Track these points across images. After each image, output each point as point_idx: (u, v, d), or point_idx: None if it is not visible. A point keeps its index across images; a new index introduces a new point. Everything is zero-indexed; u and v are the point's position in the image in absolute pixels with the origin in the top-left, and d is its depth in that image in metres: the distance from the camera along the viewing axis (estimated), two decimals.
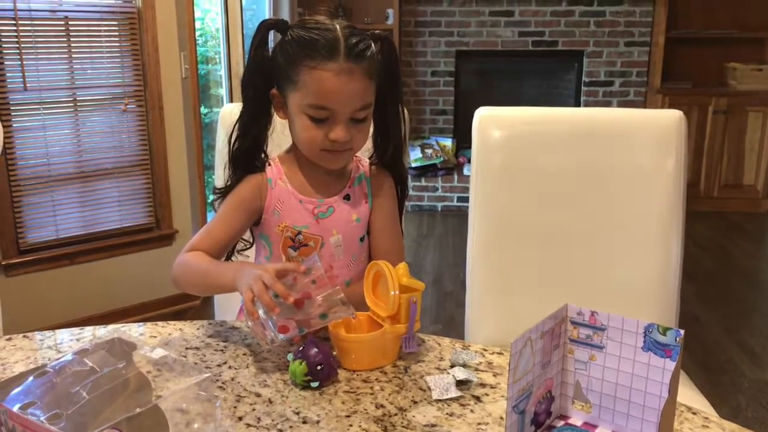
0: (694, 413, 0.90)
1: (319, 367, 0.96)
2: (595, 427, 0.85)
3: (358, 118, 1.16)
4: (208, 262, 1.18)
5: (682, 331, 0.77)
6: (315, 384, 0.96)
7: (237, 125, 1.25)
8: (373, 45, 1.16)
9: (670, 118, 1.41)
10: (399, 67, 1.25)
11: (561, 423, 0.86)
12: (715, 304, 3.33)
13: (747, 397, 2.54)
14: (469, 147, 5.08)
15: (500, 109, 1.48)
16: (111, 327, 1.15)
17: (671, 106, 4.47)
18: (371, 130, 1.26)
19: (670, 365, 0.77)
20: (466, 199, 5.30)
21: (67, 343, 1.11)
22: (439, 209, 4.98)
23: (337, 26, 1.14)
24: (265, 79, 1.20)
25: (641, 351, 0.80)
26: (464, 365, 1.02)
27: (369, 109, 1.18)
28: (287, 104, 1.19)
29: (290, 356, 0.99)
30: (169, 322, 1.18)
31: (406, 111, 1.48)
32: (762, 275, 3.94)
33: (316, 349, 0.97)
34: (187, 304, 3.17)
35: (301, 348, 0.98)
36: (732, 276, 3.79)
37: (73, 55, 2.79)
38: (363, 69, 1.13)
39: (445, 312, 3.20)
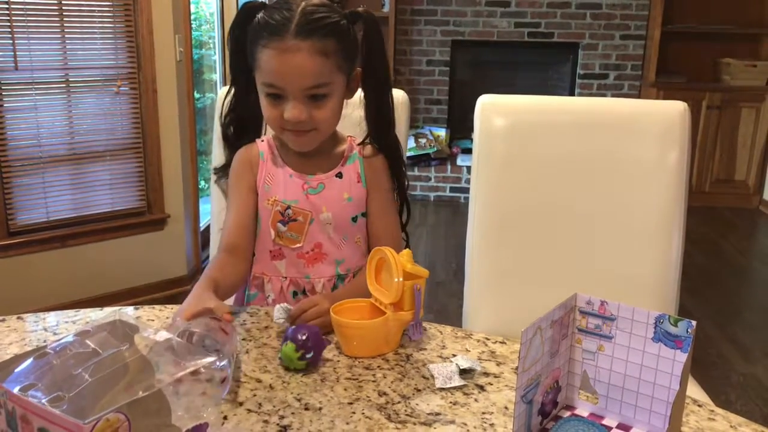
0: (699, 406, 0.89)
1: (302, 337, 0.94)
2: (601, 418, 0.84)
3: (316, 95, 1.15)
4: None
5: (694, 323, 0.76)
6: (310, 355, 0.94)
7: (225, 102, 1.29)
8: (343, 22, 1.16)
9: (674, 109, 1.40)
10: (382, 43, 1.24)
11: (567, 414, 0.85)
12: (705, 299, 3.34)
13: (737, 391, 2.55)
14: (463, 137, 5.06)
15: (503, 97, 1.47)
16: (108, 309, 1.13)
17: (665, 100, 4.49)
18: (363, 108, 1.27)
19: (681, 357, 0.77)
20: (459, 190, 5.27)
21: (61, 325, 1.09)
22: (432, 199, 4.96)
23: (303, 4, 1.13)
24: (243, 58, 1.21)
25: (651, 342, 0.79)
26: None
27: (326, 88, 1.15)
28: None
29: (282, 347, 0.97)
30: (166, 306, 1.16)
31: (405, 95, 1.47)
32: (753, 271, 3.96)
33: (293, 327, 0.98)
34: (178, 289, 3.14)
35: (284, 337, 0.97)
36: (723, 271, 3.81)
37: (66, 35, 2.74)
38: (313, 46, 1.12)
39: (438, 302, 3.19)
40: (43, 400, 0.58)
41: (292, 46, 1.11)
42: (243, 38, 1.19)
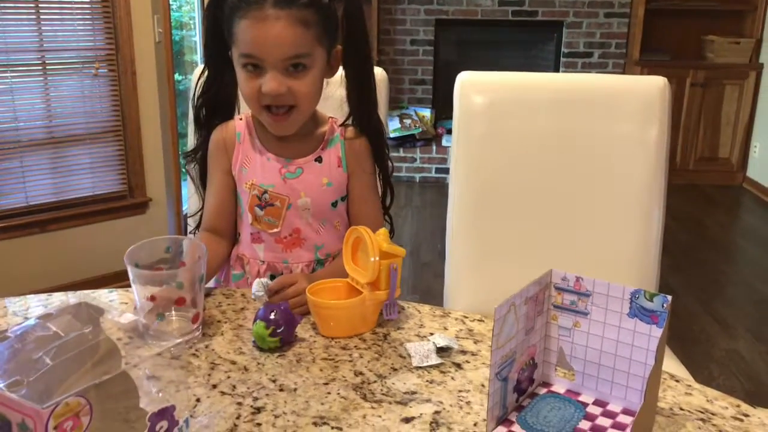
0: (677, 381, 0.89)
1: (271, 314, 0.94)
2: (578, 394, 0.83)
3: (296, 65, 1.12)
4: None
5: (669, 297, 0.75)
6: (280, 330, 0.93)
7: (199, 83, 1.25)
8: None
9: (654, 85, 1.39)
10: (364, 20, 1.21)
11: (543, 391, 0.84)
12: (689, 276, 3.36)
13: (719, 366, 2.58)
14: (448, 117, 5.01)
15: (482, 74, 1.45)
16: (80, 293, 1.11)
17: None
18: (345, 89, 1.24)
19: (657, 332, 0.76)
20: (445, 171, 5.23)
21: (33, 309, 1.08)
22: (417, 180, 4.95)
23: None
24: (219, 37, 1.18)
25: (627, 317, 0.78)
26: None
27: (307, 58, 1.13)
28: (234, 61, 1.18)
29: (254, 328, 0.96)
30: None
31: (384, 72, 1.45)
32: (735, 248, 3.98)
33: (262, 307, 0.97)
34: None
35: (254, 318, 0.96)
36: (706, 248, 3.83)
37: (42, 16, 2.69)
38: (293, 16, 1.09)
39: (423, 283, 3.20)
40: (1, 386, 0.56)
41: (270, 14, 1.08)
42: (219, 16, 1.16)
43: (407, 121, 4.99)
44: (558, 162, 1.41)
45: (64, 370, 0.60)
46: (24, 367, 0.59)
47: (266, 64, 1.11)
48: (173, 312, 0.95)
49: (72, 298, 1.10)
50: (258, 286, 1.07)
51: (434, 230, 3.95)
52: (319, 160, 1.23)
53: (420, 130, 4.97)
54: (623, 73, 5.13)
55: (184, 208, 3.39)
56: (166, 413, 0.63)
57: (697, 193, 4.70)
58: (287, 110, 1.15)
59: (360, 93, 1.24)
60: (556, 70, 5.21)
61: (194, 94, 1.27)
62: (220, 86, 1.23)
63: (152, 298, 0.93)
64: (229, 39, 1.15)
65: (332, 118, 1.27)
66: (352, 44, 1.20)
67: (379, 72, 1.42)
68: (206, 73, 1.24)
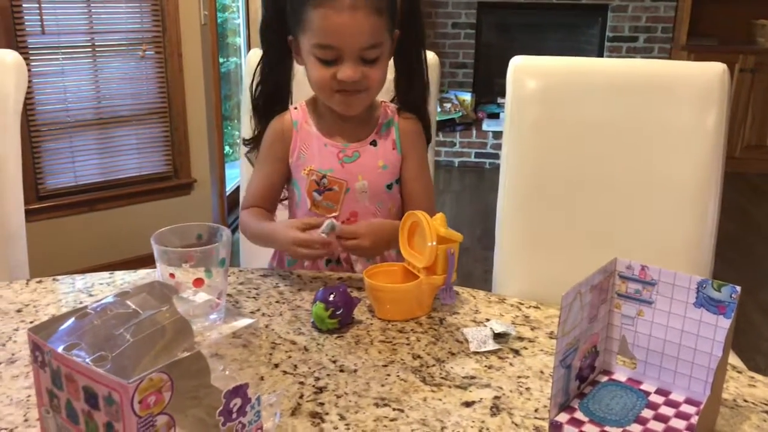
0: (739, 372, 0.88)
1: (330, 296, 0.95)
2: (639, 383, 0.83)
3: (369, 57, 1.13)
4: (258, 227, 1.21)
5: (738, 288, 0.74)
6: (339, 312, 0.95)
7: (257, 71, 1.25)
8: None
9: (714, 71, 1.35)
10: (420, 7, 1.22)
11: (605, 378, 0.84)
12: (735, 266, 3.30)
13: (766, 357, 2.53)
14: (489, 102, 4.96)
15: (536, 59, 1.44)
16: (142, 271, 1.14)
17: None
18: (394, 74, 1.25)
19: (724, 322, 0.75)
20: (484, 155, 5.18)
21: (97, 287, 1.10)
22: (456, 165, 4.93)
23: None
24: (281, 23, 1.18)
25: (693, 307, 0.77)
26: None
27: (379, 48, 1.14)
28: (300, 48, 1.18)
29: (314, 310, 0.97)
30: (199, 269, 1.16)
31: (436, 57, 1.44)
32: None
33: (321, 289, 0.98)
34: None
35: (314, 298, 0.98)
36: (752, 238, 3.75)
37: None
38: (370, 5, 1.09)
39: (463, 267, 3.19)
40: (87, 360, 0.58)
41: (350, 3, 1.08)
42: (282, 4, 1.16)
43: (447, 105, 4.97)
44: (612, 149, 1.39)
45: (143, 346, 0.62)
46: (106, 342, 0.61)
47: (344, 53, 1.11)
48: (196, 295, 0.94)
49: (134, 276, 1.13)
50: (325, 226, 1.09)
51: (474, 215, 3.93)
52: (374, 143, 1.23)
53: (460, 114, 4.95)
54: (669, 58, 5.02)
55: (227, 189, 3.43)
56: (240, 391, 0.64)
57: (743, 182, 4.59)
58: (360, 91, 1.17)
59: (410, 81, 1.25)
60: (600, 54, 5.13)
61: (252, 82, 1.27)
62: (279, 74, 1.24)
63: (172, 276, 0.94)
64: (296, 27, 1.15)
65: (384, 102, 1.28)
66: (410, 30, 1.20)
67: (430, 56, 1.41)
68: (263, 61, 1.24)
